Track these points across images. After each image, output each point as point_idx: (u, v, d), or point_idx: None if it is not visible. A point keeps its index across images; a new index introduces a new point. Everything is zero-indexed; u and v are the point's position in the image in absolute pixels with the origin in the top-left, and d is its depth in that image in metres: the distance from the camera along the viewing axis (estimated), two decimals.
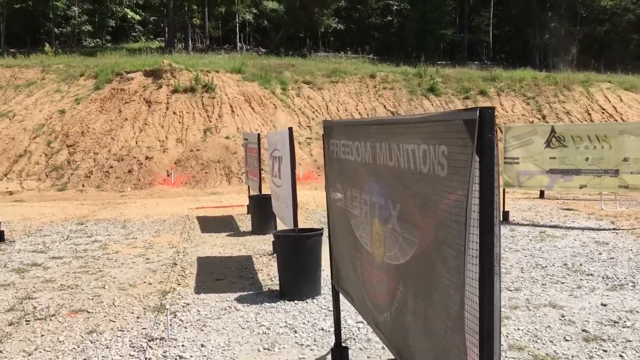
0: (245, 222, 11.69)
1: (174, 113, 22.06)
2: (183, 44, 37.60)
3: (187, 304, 6.12)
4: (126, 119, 21.74)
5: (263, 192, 10.70)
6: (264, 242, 9.60)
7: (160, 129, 21.32)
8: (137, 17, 41.69)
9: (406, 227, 2.45)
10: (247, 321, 5.47)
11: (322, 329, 5.16)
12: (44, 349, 4.88)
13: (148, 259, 8.58)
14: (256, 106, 23.26)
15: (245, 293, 6.48)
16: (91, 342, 5.02)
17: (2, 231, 10.41)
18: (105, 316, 5.78)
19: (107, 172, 19.30)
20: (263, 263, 8.09)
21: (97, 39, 40.63)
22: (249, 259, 8.41)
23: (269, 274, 7.41)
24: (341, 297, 4.17)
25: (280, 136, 7.07)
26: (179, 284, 7.04)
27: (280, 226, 8.57)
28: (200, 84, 23.28)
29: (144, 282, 7.16)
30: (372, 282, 3.01)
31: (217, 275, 7.42)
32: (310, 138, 22.03)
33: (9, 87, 24.57)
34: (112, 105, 22.60)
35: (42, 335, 5.22)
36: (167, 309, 5.30)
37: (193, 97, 22.93)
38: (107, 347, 4.89)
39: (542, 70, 33.96)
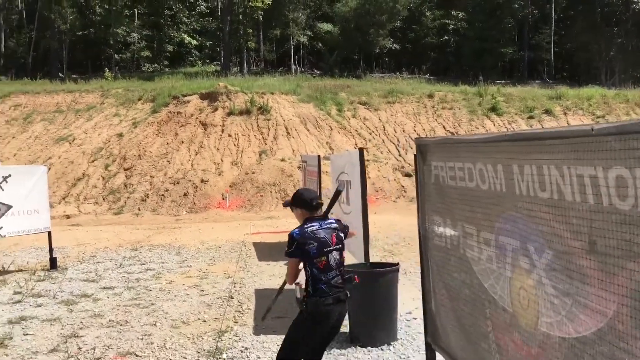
0: None
1: (230, 135, 21.78)
2: (238, 68, 37.75)
3: (246, 349, 5.42)
4: (182, 142, 21.60)
5: None
6: None
7: (216, 152, 21.04)
8: (194, 42, 42.28)
9: (581, 286, 1.67)
10: None
11: None
12: None
13: (202, 290, 7.97)
14: (312, 128, 22.74)
15: None
16: None
17: (55, 258, 10.07)
18: None
19: (163, 195, 19.07)
20: None
21: (155, 64, 41.38)
22: None
23: None
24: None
25: (349, 158, 6.35)
26: (236, 322, 6.36)
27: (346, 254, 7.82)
28: (256, 106, 22.97)
29: (198, 319, 6.52)
30: (515, 356, 2.21)
31: (277, 312, 6.70)
32: (367, 160, 21.26)
33: (70, 111, 24.96)
34: (168, 128, 22.54)
35: None
36: (224, 358, 4.58)
37: (248, 119, 22.63)
38: None
39: (610, 87, 32.24)
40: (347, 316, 6.05)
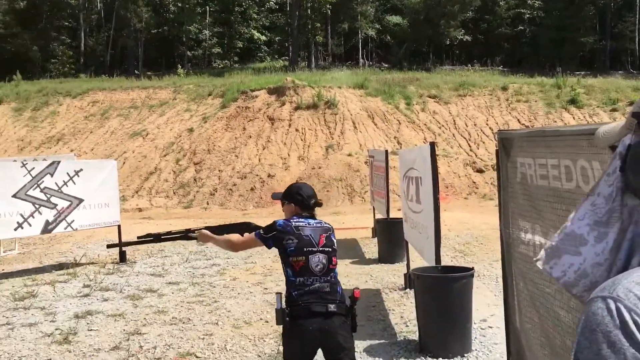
0: (370, 248, 10.64)
1: (296, 130, 21.68)
2: (306, 62, 37.71)
3: None
4: (250, 137, 21.69)
5: (391, 216, 9.62)
6: (393, 273, 8.49)
7: (283, 146, 21.00)
8: (263, 38, 42.65)
9: None
10: None
11: None
12: None
13: (266, 288, 7.79)
14: (379, 122, 22.29)
15: (377, 342, 5.41)
16: None
17: (124, 252, 10.20)
18: None
19: (231, 189, 19.20)
20: (394, 301, 6.97)
21: (226, 60, 42.02)
22: (377, 295, 7.33)
23: (402, 315, 6.28)
24: None
25: (419, 153, 5.96)
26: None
27: (413, 255, 7.43)
28: (323, 101, 22.76)
29: (260, 319, 6.33)
30: None
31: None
32: (437, 155, 20.60)
33: (144, 107, 25.64)
34: (237, 123, 22.71)
35: None
36: None
37: (315, 113, 22.45)
38: None
39: None
40: (412, 317, 5.70)
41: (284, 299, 3.20)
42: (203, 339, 5.67)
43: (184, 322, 6.27)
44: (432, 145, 5.33)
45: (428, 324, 5.00)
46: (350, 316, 3.23)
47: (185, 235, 3.57)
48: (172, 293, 7.68)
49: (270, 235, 3.24)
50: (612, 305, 0.87)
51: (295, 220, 3.29)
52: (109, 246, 3.94)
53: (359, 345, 5.29)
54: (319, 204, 3.43)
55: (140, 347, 5.46)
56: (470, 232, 11.89)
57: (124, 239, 10.74)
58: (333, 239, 3.34)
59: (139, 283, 8.33)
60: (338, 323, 3.14)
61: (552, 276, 1.15)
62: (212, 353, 5.24)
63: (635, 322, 0.84)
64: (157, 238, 3.74)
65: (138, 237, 3.91)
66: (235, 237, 3.45)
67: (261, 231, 3.29)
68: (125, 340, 5.66)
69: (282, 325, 3.21)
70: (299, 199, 3.37)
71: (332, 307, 3.13)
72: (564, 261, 1.11)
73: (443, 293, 4.88)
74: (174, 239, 3.67)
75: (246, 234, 3.44)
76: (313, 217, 3.38)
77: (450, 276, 4.96)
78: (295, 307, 3.14)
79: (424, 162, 5.58)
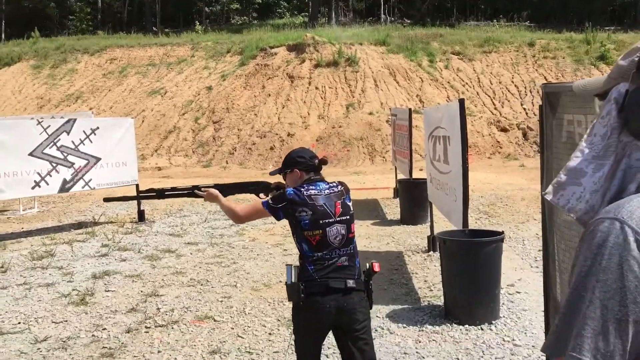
0: (392, 209, 10.42)
1: (316, 88, 21.26)
2: (326, 19, 36.83)
3: None
4: (269, 95, 21.35)
5: (414, 176, 9.36)
6: (416, 235, 8.27)
7: (302, 105, 20.65)
8: None
9: None
10: (404, 353, 4.21)
11: None
12: None
13: (286, 249, 7.64)
14: (401, 80, 21.75)
15: (400, 307, 5.22)
16: None
17: (143, 211, 10.11)
18: (232, 328, 4.83)
19: (250, 148, 19.01)
20: (417, 263, 6.77)
21: (244, 16, 41.25)
22: (400, 257, 7.14)
23: (426, 279, 6.09)
24: None
25: (447, 111, 5.65)
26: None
27: (436, 216, 7.20)
28: (343, 58, 22.23)
29: (280, 282, 6.17)
30: None
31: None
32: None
33: (162, 64, 25.34)
34: (255, 81, 22.35)
35: (158, 352, 4.37)
36: None
37: (336, 71, 21.97)
38: None
39: None
40: (435, 280, 5.50)
41: (294, 272, 2.91)
42: (221, 301, 5.55)
43: (202, 284, 6.15)
44: (462, 102, 5.02)
45: (454, 290, 4.79)
46: (367, 292, 2.96)
47: (192, 192, 3.29)
48: (191, 254, 7.57)
49: (280, 206, 2.92)
50: (617, 225, 1.03)
51: (305, 188, 2.95)
52: (105, 199, 3.67)
53: (381, 310, 5.12)
54: (324, 162, 3.09)
55: (158, 309, 5.35)
56: (494, 193, 11.59)
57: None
58: (348, 202, 3.01)
59: (157, 243, 8.24)
60: (357, 299, 2.89)
61: (559, 206, 1.30)
62: (231, 317, 5.11)
63: (636, 240, 1.00)
64: (160, 194, 3.46)
65: (139, 192, 3.67)
66: (240, 207, 3.11)
67: (269, 200, 2.98)
68: (143, 302, 5.56)
69: (294, 307, 2.97)
70: (302, 161, 3.01)
71: (350, 282, 2.86)
72: (568, 192, 1.28)
73: (471, 258, 4.65)
74: (179, 196, 3.36)
75: (253, 203, 3.09)
76: (322, 179, 3.04)
77: (479, 241, 4.72)
78: (312, 283, 2.86)
79: (453, 120, 5.28)
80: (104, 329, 4.89)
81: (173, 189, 3.43)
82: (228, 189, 3.35)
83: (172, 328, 4.85)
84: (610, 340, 0.99)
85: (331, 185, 3.01)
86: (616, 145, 1.22)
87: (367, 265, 2.97)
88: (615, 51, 23.43)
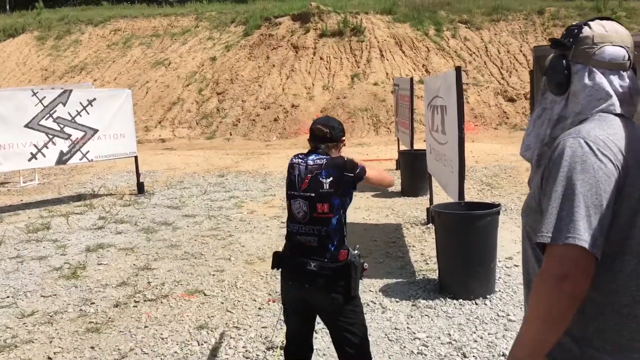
0: None
1: (321, 58, 20.94)
2: None
3: None
4: (273, 66, 21.07)
5: (415, 147, 9.18)
6: (416, 207, 8.14)
7: (307, 76, 20.36)
8: None
9: None
10: (395, 328, 4.11)
11: (504, 355, 3.65)
12: (142, 349, 3.93)
13: (283, 222, 7.52)
14: (407, 50, 21.36)
15: (394, 281, 5.11)
16: (197, 344, 3.98)
17: (142, 183, 10.04)
18: (222, 303, 4.75)
19: (254, 120, 18.83)
20: (415, 236, 6.65)
21: None
22: (398, 229, 7.02)
23: (422, 252, 5.97)
24: None
25: (444, 80, 5.44)
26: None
27: (437, 188, 7.05)
28: (349, 27, 21.82)
29: None
30: None
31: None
32: (466, 84, 19.73)
33: (166, 35, 25.05)
34: (260, 51, 22.04)
35: (145, 327, 4.29)
36: None
37: (341, 41, 21.59)
38: (215, 357, 3.82)
39: None
40: (434, 256, 5.38)
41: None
42: (213, 275, 5.47)
43: (195, 257, 6.07)
44: (458, 70, 4.81)
45: (448, 263, 4.66)
46: (345, 278, 2.71)
47: None
48: (187, 226, 7.49)
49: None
50: (582, 141, 1.40)
51: (299, 156, 2.89)
52: None
53: (375, 284, 5.02)
54: (328, 139, 2.87)
55: (149, 283, 5.27)
56: (498, 164, 11.40)
57: (144, 170, 10.60)
58: (322, 179, 2.73)
59: (154, 215, 8.17)
60: (322, 284, 2.70)
61: (521, 155, 1.69)
62: (222, 291, 5.03)
63: (597, 149, 1.38)
64: None
65: None
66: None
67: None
68: (134, 276, 5.48)
69: None
70: (310, 133, 2.95)
71: (312, 265, 2.69)
72: (524, 143, 1.67)
73: (465, 231, 4.52)
74: None
75: None
76: (322, 152, 2.86)
77: (473, 213, 4.57)
78: (283, 254, 2.86)
79: (449, 89, 5.08)
80: (93, 303, 4.83)
81: None
82: None
83: (161, 302, 4.78)
84: (592, 221, 1.33)
85: (318, 158, 2.83)
86: (544, 101, 1.61)
87: (353, 256, 2.77)
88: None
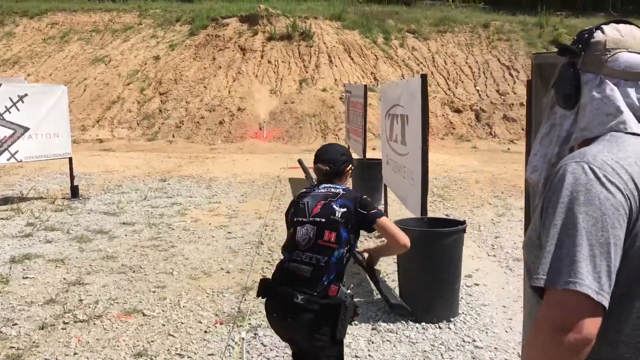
0: None
1: (269, 62, 20.54)
2: None
3: None
4: (219, 67, 20.50)
5: (367, 156, 8.95)
6: None
7: (254, 79, 19.92)
8: None
9: None
10: (355, 356, 3.78)
11: None
12: None
13: (230, 232, 7.12)
14: (356, 57, 21.26)
15: None
16: None
17: (77, 187, 9.36)
18: (163, 325, 4.30)
19: (198, 122, 18.21)
20: None
21: None
22: None
23: (379, 267, 5.68)
24: None
25: (406, 88, 5.18)
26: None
27: (392, 199, 6.81)
28: (298, 32, 21.54)
29: (221, 269, 5.66)
30: None
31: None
32: None
33: (107, 31, 24.02)
34: (206, 52, 21.42)
35: (74, 354, 3.80)
36: (243, 338, 3.56)
37: (289, 45, 21.27)
38: None
39: None
40: (393, 274, 5.11)
41: None
42: (154, 292, 4.99)
43: (134, 271, 5.56)
44: (424, 78, 4.56)
45: (410, 285, 4.39)
46: (332, 320, 2.42)
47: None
48: (125, 235, 6.94)
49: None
50: (585, 166, 1.21)
51: (303, 191, 2.76)
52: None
53: None
54: (331, 174, 2.76)
55: (80, 300, 4.75)
56: (448, 175, 11.32)
57: (78, 172, 9.91)
58: (335, 207, 2.56)
59: (89, 223, 7.56)
60: (306, 320, 2.41)
61: (527, 179, 1.51)
62: (163, 310, 4.57)
63: (604, 176, 1.17)
64: None
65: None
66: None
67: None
68: (64, 292, 4.94)
69: None
70: (314, 165, 2.80)
71: (299, 298, 2.42)
72: (530, 164, 1.48)
73: (430, 251, 4.25)
74: None
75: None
76: (329, 182, 2.74)
77: (439, 231, 4.31)
78: (271, 282, 2.61)
79: (412, 98, 4.83)
80: (15, 324, 4.28)
81: None
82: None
83: (94, 324, 4.28)
84: (597, 262, 1.11)
85: (334, 187, 2.70)
86: (554, 116, 1.42)
87: (344, 295, 2.48)
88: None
